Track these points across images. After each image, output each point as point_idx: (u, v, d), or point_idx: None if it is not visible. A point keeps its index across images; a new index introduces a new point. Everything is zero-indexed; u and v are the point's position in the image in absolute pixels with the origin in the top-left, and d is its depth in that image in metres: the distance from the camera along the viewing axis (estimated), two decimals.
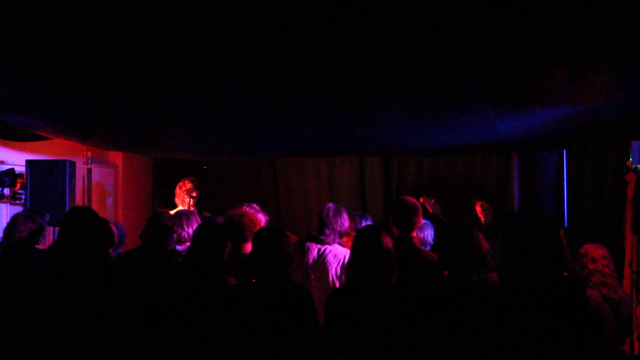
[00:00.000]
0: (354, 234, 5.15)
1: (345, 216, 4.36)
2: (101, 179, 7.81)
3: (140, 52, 4.00)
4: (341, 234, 4.34)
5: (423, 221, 4.76)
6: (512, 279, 2.64)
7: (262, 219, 4.40)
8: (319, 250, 4.25)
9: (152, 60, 4.08)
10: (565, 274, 3.71)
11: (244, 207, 4.39)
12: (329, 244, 4.26)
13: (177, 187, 6.46)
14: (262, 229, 3.60)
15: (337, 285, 4.13)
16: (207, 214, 5.95)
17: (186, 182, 6.41)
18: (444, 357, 2.94)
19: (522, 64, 3.76)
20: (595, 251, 4.07)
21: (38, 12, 3.75)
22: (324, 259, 4.21)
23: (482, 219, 6.66)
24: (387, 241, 3.30)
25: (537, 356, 2.51)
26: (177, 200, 6.39)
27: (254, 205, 4.52)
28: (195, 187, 6.37)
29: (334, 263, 4.19)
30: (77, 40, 3.93)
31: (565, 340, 2.48)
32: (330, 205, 4.41)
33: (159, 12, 3.63)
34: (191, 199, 6.29)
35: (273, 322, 3.11)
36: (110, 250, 4.18)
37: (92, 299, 2.92)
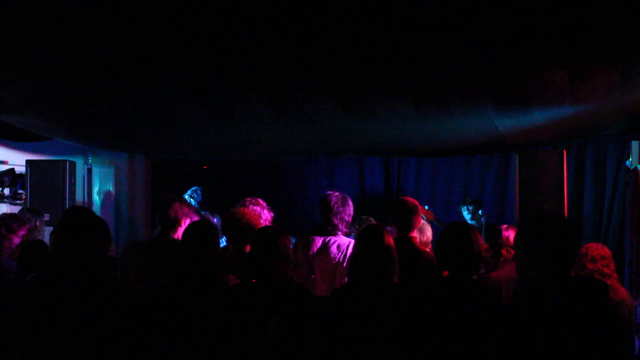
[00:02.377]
0: None
1: (351, 204, 4.33)
2: (101, 179, 7.82)
3: (140, 52, 4.01)
4: (348, 224, 4.31)
5: (422, 221, 4.77)
6: (532, 281, 2.63)
7: (267, 216, 4.39)
8: (322, 241, 4.24)
9: (152, 60, 4.09)
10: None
11: (248, 204, 4.38)
12: (335, 234, 4.24)
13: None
14: (261, 229, 3.59)
15: (340, 277, 4.12)
16: (204, 212, 5.95)
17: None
18: (445, 357, 2.94)
19: (522, 64, 3.76)
20: (596, 251, 4.06)
21: (38, 12, 3.75)
22: (328, 250, 4.20)
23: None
24: (390, 240, 3.30)
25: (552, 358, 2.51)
26: None
27: (260, 201, 4.50)
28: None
29: (338, 253, 4.19)
30: (77, 40, 3.93)
31: (584, 342, 2.47)
32: (336, 194, 4.34)
33: (159, 11, 3.63)
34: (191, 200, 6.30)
35: (272, 321, 3.11)
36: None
37: (90, 298, 2.92)
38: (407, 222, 4.08)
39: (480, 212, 6.65)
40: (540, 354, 2.48)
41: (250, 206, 4.37)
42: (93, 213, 3.18)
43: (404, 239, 4.02)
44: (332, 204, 4.25)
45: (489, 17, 3.40)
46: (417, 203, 4.25)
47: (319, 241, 4.25)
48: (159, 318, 3.16)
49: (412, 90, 4.15)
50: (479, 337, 2.86)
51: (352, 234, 4.92)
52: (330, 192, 4.40)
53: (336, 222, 4.23)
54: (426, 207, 6.37)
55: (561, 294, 2.49)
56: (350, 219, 4.31)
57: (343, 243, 4.22)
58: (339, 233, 4.27)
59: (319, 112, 4.53)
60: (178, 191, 6.52)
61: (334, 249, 4.21)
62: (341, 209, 4.25)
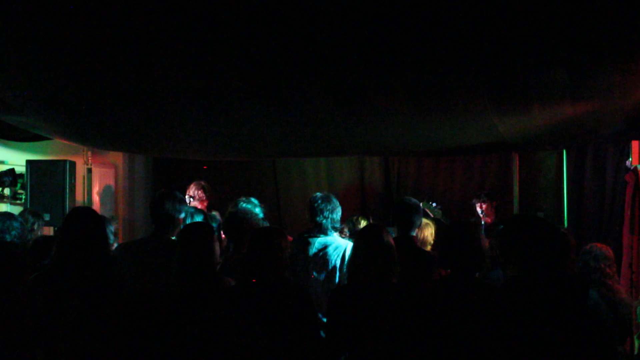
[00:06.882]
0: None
1: (335, 201, 4.34)
2: (101, 179, 7.81)
3: (140, 52, 4.01)
4: (334, 221, 4.31)
5: (424, 221, 4.77)
6: (510, 279, 2.65)
7: (260, 215, 4.40)
8: (319, 243, 4.24)
9: (152, 61, 4.08)
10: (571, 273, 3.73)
11: (241, 203, 4.39)
12: (327, 235, 4.25)
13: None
14: (257, 230, 3.60)
15: (338, 278, 4.13)
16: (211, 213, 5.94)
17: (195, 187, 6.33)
18: (446, 356, 2.94)
19: (522, 64, 3.76)
20: (599, 250, 4.09)
21: (38, 12, 3.75)
22: (325, 251, 4.21)
23: (483, 219, 6.66)
24: (390, 240, 3.30)
25: (535, 356, 2.51)
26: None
27: (252, 200, 4.51)
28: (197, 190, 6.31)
29: (335, 256, 4.19)
30: (77, 40, 3.93)
31: (564, 340, 2.49)
32: (317, 194, 4.38)
33: (159, 11, 3.63)
34: (191, 199, 6.27)
35: (272, 322, 3.11)
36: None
37: (93, 298, 2.93)
38: (408, 222, 4.08)
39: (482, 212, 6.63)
40: (517, 352, 2.49)
41: (244, 205, 4.38)
42: (96, 213, 3.18)
43: (405, 239, 4.03)
44: (313, 204, 4.27)
45: (488, 16, 3.40)
46: (418, 203, 4.26)
47: (314, 243, 4.25)
48: (159, 319, 3.16)
49: (412, 90, 4.15)
50: (480, 336, 2.86)
51: (344, 235, 4.92)
52: (315, 194, 4.42)
53: (320, 220, 4.24)
54: (434, 205, 6.37)
55: (539, 292, 2.50)
56: (335, 215, 4.30)
57: (340, 245, 4.23)
58: (331, 232, 4.27)
59: (318, 112, 4.53)
60: (178, 191, 6.51)
61: (330, 250, 4.22)
62: (322, 206, 4.26)
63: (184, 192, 6.40)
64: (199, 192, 6.24)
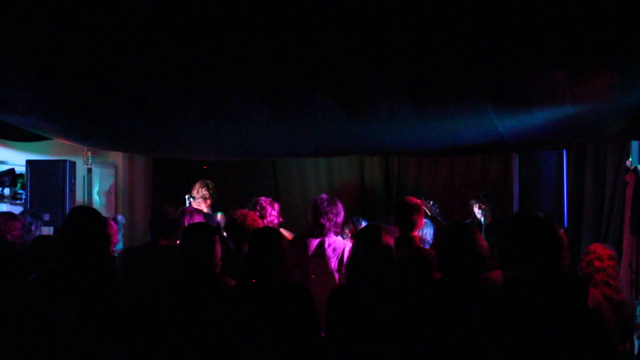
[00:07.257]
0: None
1: (339, 205, 4.35)
2: (101, 179, 7.82)
3: (140, 53, 4.01)
4: (337, 224, 4.32)
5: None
6: (509, 279, 2.65)
7: (275, 220, 4.44)
8: (317, 243, 4.25)
9: (152, 61, 4.09)
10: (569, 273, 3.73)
11: (263, 204, 4.43)
12: (325, 235, 4.26)
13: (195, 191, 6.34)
14: (258, 229, 3.60)
15: (337, 278, 4.13)
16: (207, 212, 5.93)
17: (202, 188, 6.29)
18: (445, 357, 2.94)
19: (522, 64, 3.77)
20: (604, 250, 4.10)
21: (38, 12, 3.75)
22: (323, 252, 4.21)
23: (481, 220, 6.66)
24: (389, 240, 3.29)
25: (535, 356, 2.52)
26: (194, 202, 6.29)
27: (276, 205, 4.56)
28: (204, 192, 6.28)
29: (333, 256, 4.20)
30: (78, 40, 3.94)
31: (564, 340, 2.49)
32: (323, 195, 4.39)
33: (159, 12, 3.63)
34: (191, 199, 6.26)
35: (272, 322, 3.11)
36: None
37: (93, 298, 2.92)
38: (409, 222, 4.09)
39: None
40: (517, 352, 2.49)
41: (268, 207, 4.43)
42: (98, 213, 3.17)
43: (406, 239, 4.03)
44: (319, 205, 4.28)
45: (488, 16, 3.40)
46: (420, 203, 4.26)
47: (314, 243, 4.26)
48: (159, 319, 3.16)
49: (412, 90, 4.15)
50: (478, 337, 2.86)
51: (346, 236, 4.93)
52: (319, 195, 4.43)
53: (324, 222, 4.24)
54: (431, 203, 6.37)
55: (538, 292, 2.50)
56: (338, 219, 4.32)
57: (339, 246, 4.24)
58: (330, 234, 4.28)
59: (319, 112, 4.54)
60: (178, 191, 6.50)
61: (329, 251, 4.22)
62: (328, 209, 4.27)
63: (184, 191, 6.39)
64: (203, 190, 6.22)
